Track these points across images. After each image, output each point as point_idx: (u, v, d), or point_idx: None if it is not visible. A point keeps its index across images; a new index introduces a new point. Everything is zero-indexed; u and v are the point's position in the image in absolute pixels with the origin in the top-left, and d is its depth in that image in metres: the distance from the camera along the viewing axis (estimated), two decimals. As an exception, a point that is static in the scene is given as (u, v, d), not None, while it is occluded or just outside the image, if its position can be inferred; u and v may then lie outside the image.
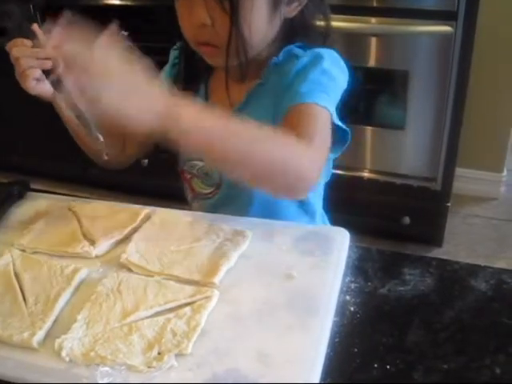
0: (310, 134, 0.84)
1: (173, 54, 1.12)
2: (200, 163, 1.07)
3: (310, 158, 0.82)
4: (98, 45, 0.72)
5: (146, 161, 2.30)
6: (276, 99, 0.95)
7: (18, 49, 0.89)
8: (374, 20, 1.97)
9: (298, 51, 0.97)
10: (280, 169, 0.80)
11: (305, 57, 0.95)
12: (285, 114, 0.89)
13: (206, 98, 1.06)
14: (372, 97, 2.08)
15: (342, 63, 0.98)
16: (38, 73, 0.89)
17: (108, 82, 0.71)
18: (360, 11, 1.94)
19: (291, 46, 0.98)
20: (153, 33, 2.15)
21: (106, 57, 0.72)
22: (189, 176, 1.11)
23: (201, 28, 0.91)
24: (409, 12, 1.89)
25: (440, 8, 1.85)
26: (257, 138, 0.79)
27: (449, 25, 1.85)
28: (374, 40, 1.99)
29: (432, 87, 1.98)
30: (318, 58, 0.94)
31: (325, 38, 0.99)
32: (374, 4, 1.95)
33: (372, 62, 2.02)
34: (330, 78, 0.92)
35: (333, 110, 0.91)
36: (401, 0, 1.92)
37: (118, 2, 2.31)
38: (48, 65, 0.87)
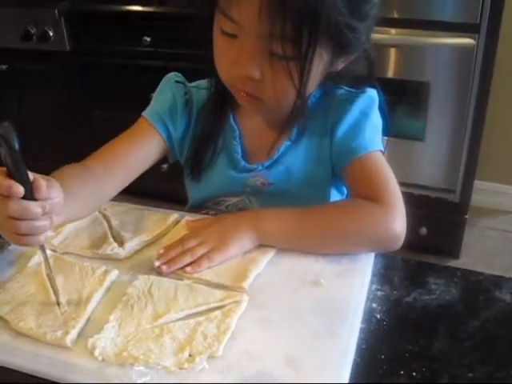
0: (384, 196, 0.87)
1: (180, 88, 1.02)
2: (231, 199, 1.04)
3: (395, 221, 0.84)
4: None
5: (166, 166, 2.30)
6: (322, 127, 0.96)
7: (13, 206, 0.67)
8: (393, 31, 1.97)
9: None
10: (374, 244, 0.85)
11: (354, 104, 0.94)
12: (347, 165, 0.92)
13: (240, 133, 1.00)
14: (392, 107, 2.09)
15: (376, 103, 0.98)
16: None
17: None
18: (381, 22, 1.95)
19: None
20: (178, 40, 2.17)
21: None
22: (212, 212, 1.05)
23: (245, 78, 0.83)
24: (431, 24, 1.90)
25: (462, 20, 1.86)
26: (337, 224, 0.86)
27: (471, 37, 1.86)
28: (393, 51, 2.00)
29: (453, 99, 1.99)
30: (365, 113, 0.94)
31: (366, 83, 0.98)
32: (395, 15, 1.96)
33: (393, 73, 2.03)
34: (377, 120, 0.97)
35: (382, 146, 0.94)
36: (423, 12, 1.93)
37: (140, 9, 2.31)
38: (48, 227, 0.71)
